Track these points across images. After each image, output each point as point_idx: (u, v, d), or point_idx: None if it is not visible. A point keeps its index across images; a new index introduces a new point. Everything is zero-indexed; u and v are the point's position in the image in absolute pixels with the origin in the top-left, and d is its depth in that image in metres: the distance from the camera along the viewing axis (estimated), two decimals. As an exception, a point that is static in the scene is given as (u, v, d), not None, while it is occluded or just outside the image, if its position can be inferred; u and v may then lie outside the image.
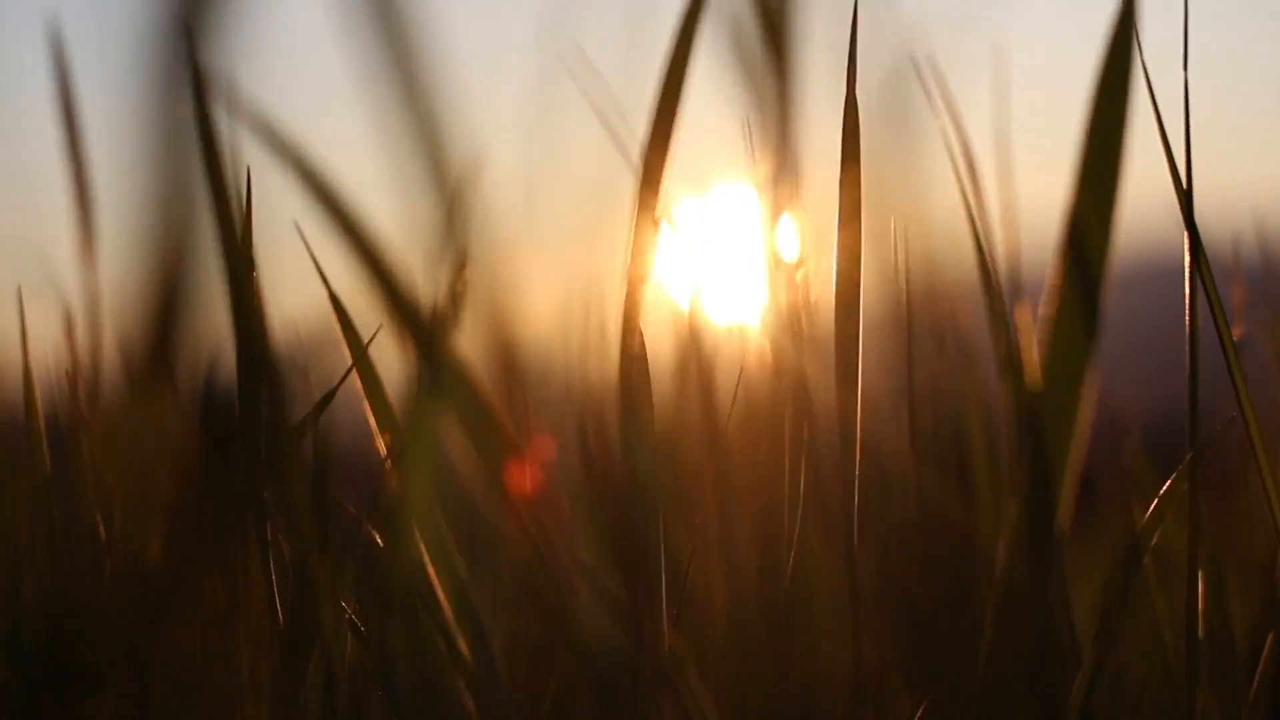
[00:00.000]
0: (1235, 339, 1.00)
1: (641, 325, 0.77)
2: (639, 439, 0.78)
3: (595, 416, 0.76)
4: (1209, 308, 0.78)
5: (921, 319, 0.74)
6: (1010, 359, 0.71)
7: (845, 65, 0.67)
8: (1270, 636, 0.88)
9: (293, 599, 0.73)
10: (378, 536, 0.84)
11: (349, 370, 0.75)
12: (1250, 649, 0.96)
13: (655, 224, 0.73)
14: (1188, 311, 0.76)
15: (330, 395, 0.75)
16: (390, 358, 0.78)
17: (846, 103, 0.67)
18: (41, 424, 0.80)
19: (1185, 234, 0.76)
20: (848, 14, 0.66)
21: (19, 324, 0.83)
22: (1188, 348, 0.77)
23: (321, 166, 0.65)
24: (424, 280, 0.63)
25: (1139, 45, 0.61)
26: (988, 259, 0.73)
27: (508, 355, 0.65)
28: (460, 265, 0.61)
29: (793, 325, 0.72)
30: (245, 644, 0.75)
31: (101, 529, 0.76)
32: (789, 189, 0.66)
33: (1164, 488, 0.77)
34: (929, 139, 0.69)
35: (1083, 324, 0.65)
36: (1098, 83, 0.61)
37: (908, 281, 0.75)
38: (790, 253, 0.70)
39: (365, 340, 0.77)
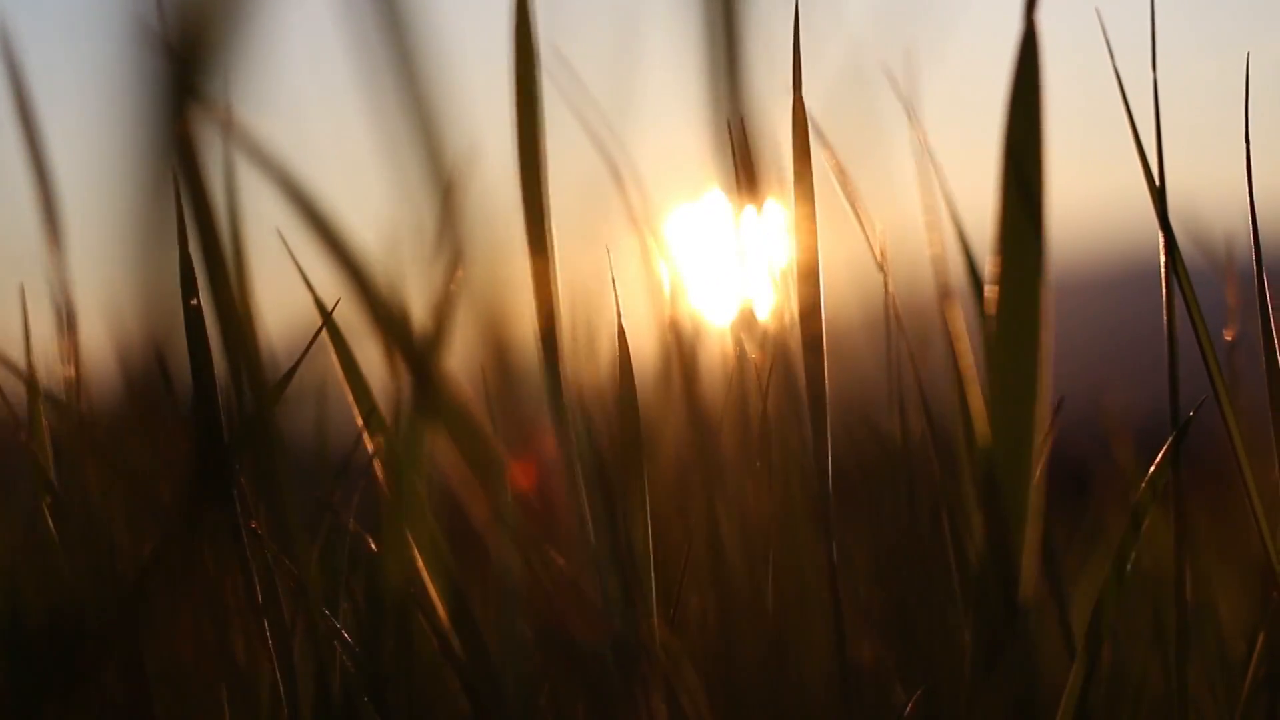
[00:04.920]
0: (1230, 339, 1.00)
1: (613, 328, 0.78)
2: (626, 434, 0.79)
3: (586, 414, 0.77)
4: (1188, 307, 0.78)
5: (892, 316, 0.75)
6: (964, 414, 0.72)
7: (791, 66, 0.68)
8: (1262, 635, 0.88)
9: (274, 596, 0.75)
10: (370, 540, 0.85)
11: (303, 354, 0.76)
12: (1244, 647, 0.96)
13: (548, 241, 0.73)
14: (1165, 308, 0.77)
15: (288, 378, 0.75)
16: (376, 359, 0.79)
17: (795, 103, 0.69)
18: (45, 422, 0.82)
19: (1160, 233, 0.76)
20: (805, 17, 0.67)
21: (21, 325, 0.85)
22: (1166, 344, 0.77)
23: (306, 181, 0.65)
24: (414, 285, 0.64)
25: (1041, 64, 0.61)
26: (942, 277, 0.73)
27: (501, 357, 0.66)
28: (454, 266, 0.61)
29: (770, 323, 0.73)
30: (239, 640, 0.76)
31: (99, 527, 0.77)
32: (756, 190, 0.67)
33: (1149, 472, 0.78)
34: (888, 138, 0.70)
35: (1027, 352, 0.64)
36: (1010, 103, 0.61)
37: (884, 278, 0.76)
38: (762, 252, 0.71)
39: (351, 346, 0.78)
